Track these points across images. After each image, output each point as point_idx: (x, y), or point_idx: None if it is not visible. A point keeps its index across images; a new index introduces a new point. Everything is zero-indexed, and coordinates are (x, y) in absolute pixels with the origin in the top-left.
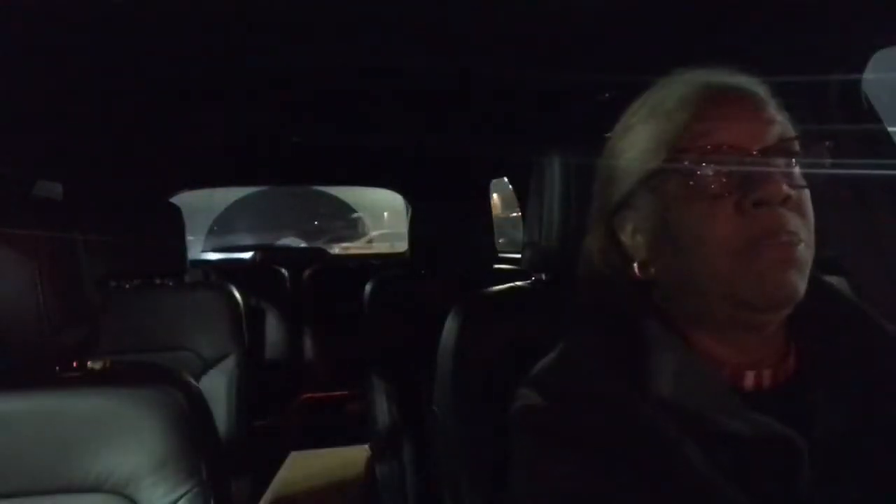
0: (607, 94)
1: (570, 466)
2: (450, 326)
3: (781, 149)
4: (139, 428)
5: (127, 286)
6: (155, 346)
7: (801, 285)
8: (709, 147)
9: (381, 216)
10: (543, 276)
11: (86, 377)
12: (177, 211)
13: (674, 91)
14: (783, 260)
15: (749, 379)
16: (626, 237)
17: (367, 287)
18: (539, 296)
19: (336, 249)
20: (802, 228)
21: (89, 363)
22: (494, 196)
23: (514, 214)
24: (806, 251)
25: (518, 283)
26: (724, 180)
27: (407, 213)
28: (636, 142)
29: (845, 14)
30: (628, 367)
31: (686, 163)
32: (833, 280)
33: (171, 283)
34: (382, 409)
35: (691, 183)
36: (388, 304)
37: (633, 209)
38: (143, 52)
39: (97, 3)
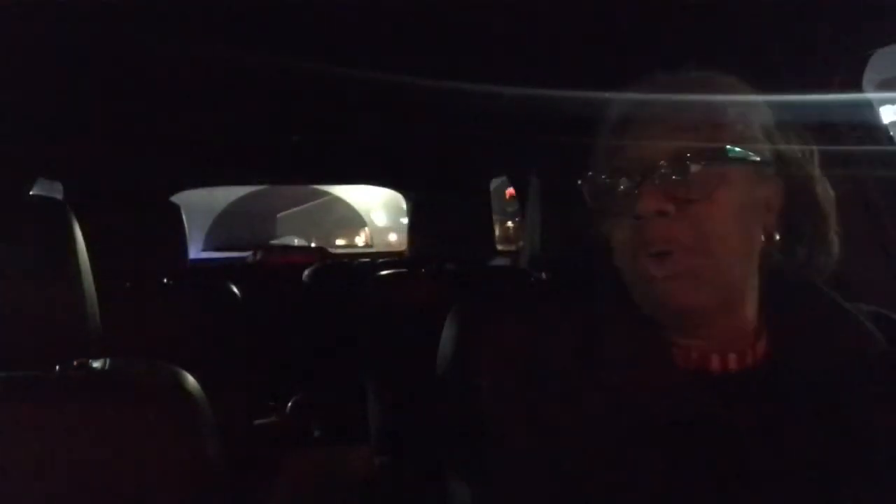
0: (607, 94)
1: (531, 443)
2: (450, 326)
3: (674, 164)
4: (139, 426)
5: (127, 285)
6: (155, 344)
7: (693, 294)
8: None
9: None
10: (543, 276)
11: (86, 376)
12: (176, 209)
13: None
14: (660, 269)
15: (715, 362)
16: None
17: (367, 286)
18: (539, 295)
19: None
20: (691, 238)
21: (90, 362)
22: None
23: None
24: (697, 259)
25: (518, 283)
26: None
27: (407, 212)
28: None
29: (845, 14)
30: (586, 350)
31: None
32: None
33: (171, 282)
34: (382, 409)
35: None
36: (388, 304)
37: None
38: (143, 50)
39: (97, 2)
